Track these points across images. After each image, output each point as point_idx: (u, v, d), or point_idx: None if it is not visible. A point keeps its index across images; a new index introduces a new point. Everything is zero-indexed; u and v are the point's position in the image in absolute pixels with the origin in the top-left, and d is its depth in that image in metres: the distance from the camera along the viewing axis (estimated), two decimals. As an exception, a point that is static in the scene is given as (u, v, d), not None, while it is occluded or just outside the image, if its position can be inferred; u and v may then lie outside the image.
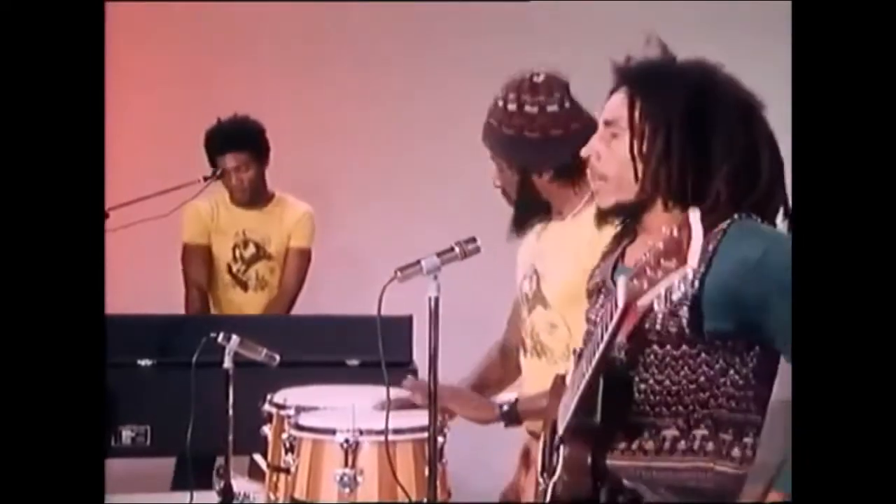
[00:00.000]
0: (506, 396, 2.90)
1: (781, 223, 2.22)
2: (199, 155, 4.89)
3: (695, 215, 1.87)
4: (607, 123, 2.28)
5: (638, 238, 2.31)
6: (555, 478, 2.26)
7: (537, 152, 2.89)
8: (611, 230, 2.35)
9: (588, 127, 2.82)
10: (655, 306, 2.06)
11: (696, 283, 2.09)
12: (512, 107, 2.90)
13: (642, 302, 1.94)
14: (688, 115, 2.19)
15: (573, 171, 2.85)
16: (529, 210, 2.97)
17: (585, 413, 2.16)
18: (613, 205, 2.27)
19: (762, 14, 4.76)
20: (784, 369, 2.16)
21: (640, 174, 2.22)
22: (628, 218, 2.30)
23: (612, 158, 2.25)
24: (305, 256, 4.98)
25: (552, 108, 2.89)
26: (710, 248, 2.11)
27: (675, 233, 1.87)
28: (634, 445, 2.19)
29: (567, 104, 2.90)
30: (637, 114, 2.22)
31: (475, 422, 2.94)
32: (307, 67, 5.69)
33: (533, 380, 2.97)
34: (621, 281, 1.96)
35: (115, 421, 4.06)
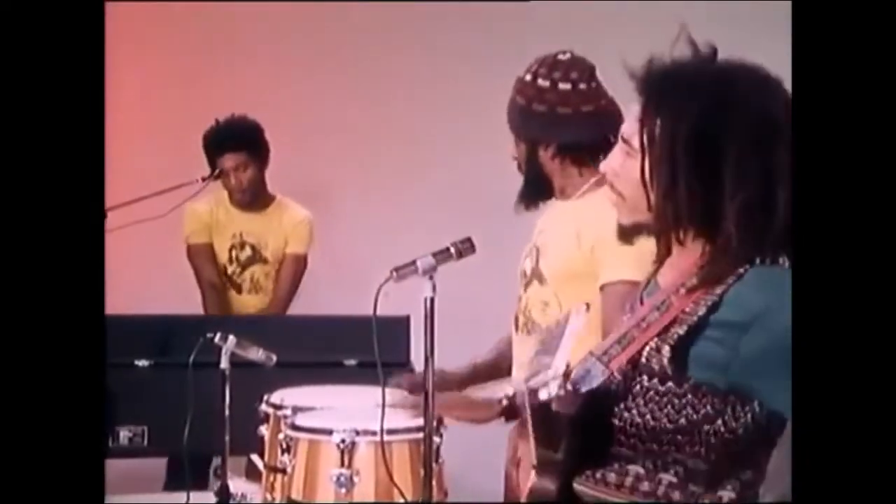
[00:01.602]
0: (503, 391, 2.89)
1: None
2: (198, 155, 4.90)
3: (578, 311, 1.78)
4: (624, 140, 2.08)
5: (672, 253, 2.13)
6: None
7: (541, 126, 2.92)
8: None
9: (600, 112, 2.87)
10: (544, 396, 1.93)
11: (685, 327, 1.97)
12: (528, 77, 2.94)
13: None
14: (694, 138, 1.97)
15: (579, 152, 2.90)
16: (536, 185, 2.99)
17: (548, 447, 2.07)
18: (632, 224, 2.10)
19: (762, 14, 4.77)
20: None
21: (651, 203, 2.02)
22: (652, 235, 2.12)
23: (627, 179, 2.07)
24: (301, 262, 4.98)
25: (564, 86, 2.90)
26: (718, 292, 1.97)
27: (556, 326, 1.79)
28: (598, 475, 2.08)
29: (582, 86, 2.90)
30: (647, 134, 2.02)
31: (476, 423, 2.94)
32: (306, 67, 5.70)
33: (521, 357, 2.97)
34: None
35: (112, 421, 4.06)
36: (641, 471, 2.04)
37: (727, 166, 1.96)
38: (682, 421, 2.00)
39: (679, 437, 2.01)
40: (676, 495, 2.02)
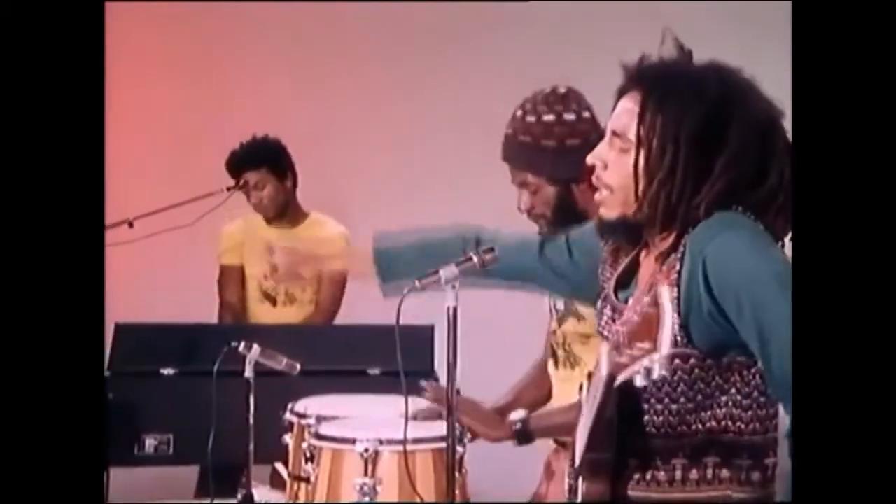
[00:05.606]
0: (517, 414, 2.88)
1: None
2: (199, 155, 4.93)
3: (666, 293, 1.73)
4: (616, 134, 2.13)
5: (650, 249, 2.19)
6: None
7: (554, 162, 2.89)
8: None
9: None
10: (638, 382, 1.80)
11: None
12: (531, 118, 2.89)
13: (622, 378, 1.80)
14: (699, 132, 2.05)
15: None
16: (570, 224, 2.80)
17: (598, 447, 2.06)
18: (618, 217, 2.15)
19: (762, 14, 4.76)
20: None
21: (640, 193, 2.09)
22: (630, 233, 2.17)
23: (620, 170, 2.11)
24: (339, 279, 4.97)
25: (569, 116, 2.87)
26: (682, 244, 2.05)
27: (649, 308, 1.74)
28: (648, 476, 2.10)
29: (585, 114, 2.88)
30: (646, 127, 2.07)
31: (487, 439, 2.92)
32: (307, 68, 5.70)
33: (565, 391, 2.95)
34: (604, 351, 1.85)
35: (138, 429, 4.08)
36: (685, 460, 2.07)
37: (725, 157, 2.03)
38: (699, 397, 2.05)
39: (702, 413, 2.05)
40: (724, 473, 2.06)
